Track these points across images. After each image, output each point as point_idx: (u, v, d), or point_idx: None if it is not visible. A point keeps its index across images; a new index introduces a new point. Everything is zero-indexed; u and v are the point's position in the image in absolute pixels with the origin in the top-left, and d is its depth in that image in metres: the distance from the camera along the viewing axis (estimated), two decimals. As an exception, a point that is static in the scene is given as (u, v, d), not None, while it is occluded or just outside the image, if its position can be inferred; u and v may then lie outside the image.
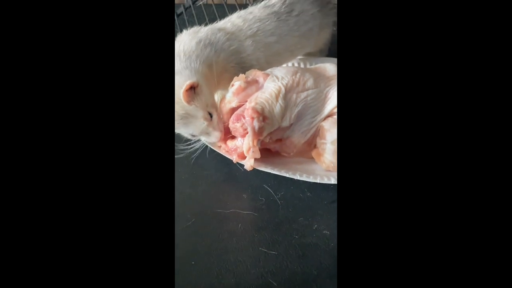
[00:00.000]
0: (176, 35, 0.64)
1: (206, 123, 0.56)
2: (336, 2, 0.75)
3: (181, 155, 0.59)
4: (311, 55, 0.76)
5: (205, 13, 0.76)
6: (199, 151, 0.60)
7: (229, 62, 0.62)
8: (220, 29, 0.64)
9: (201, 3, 0.80)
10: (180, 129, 0.58)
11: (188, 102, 0.55)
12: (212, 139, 0.58)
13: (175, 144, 0.59)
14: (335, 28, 0.78)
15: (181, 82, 0.55)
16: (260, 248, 0.49)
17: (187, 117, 0.56)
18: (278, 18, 0.66)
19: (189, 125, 0.57)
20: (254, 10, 0.68)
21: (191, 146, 0.59)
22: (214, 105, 0.58)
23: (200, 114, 0.56)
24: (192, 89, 0.55)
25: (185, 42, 0.61)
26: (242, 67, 0.63)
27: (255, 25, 0.65)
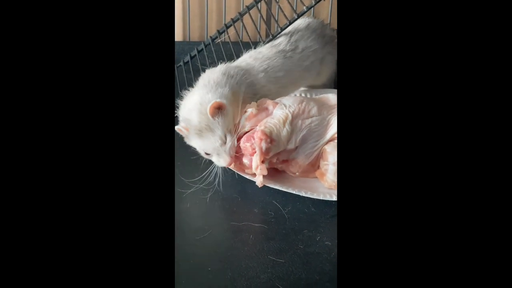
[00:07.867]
0: (199, 69, 0.68)
1: (220, 142, 0.59)
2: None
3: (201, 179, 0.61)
4: (315, 87, 0.79)
5: (222, 49, 0.80)
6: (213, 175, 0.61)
7: (247, 93, 0.66)
8: (236, 66, 0.69)
9: (219, 41, 0.84)
10: (195, 141, 0.60)
11: (213, 116, 0.58)
12: (221, 162, 0.60)
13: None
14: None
15: (211, 98, 0.59)
16: (269, 256, 0.52)
17: (206, 129, 0.58)
18: (284, 56, 0.71)
19: (205, 139, 0.59)
20: (263, 50, 0.72)
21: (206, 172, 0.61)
22: (231, 132, 0.60)
23: (219, 132, 0.58)
24: (218, 109, 0.58)
25: (210, 75, 0.65)
26: (257, 98, 0.66)
27: (265, 63, 0.70)
